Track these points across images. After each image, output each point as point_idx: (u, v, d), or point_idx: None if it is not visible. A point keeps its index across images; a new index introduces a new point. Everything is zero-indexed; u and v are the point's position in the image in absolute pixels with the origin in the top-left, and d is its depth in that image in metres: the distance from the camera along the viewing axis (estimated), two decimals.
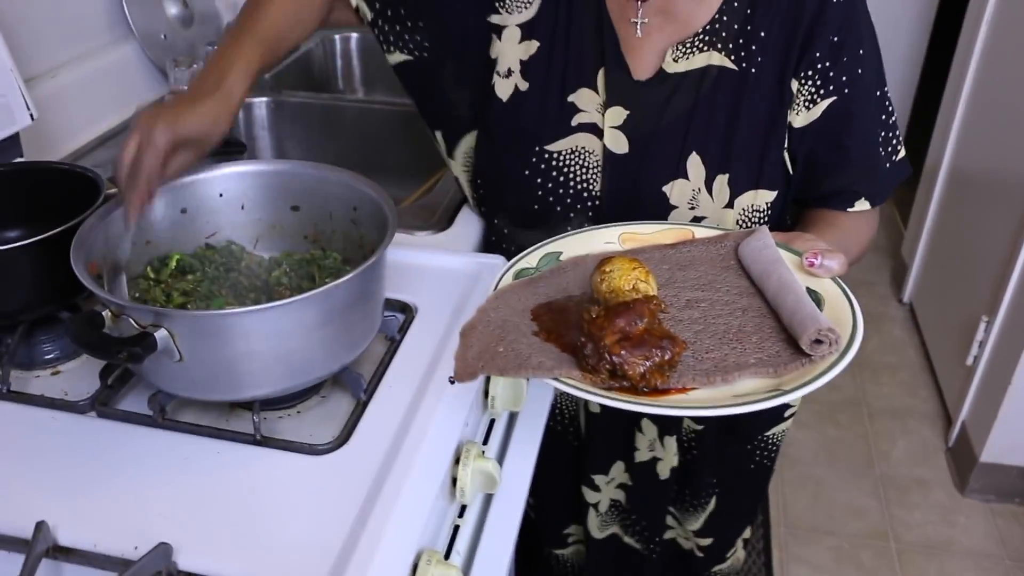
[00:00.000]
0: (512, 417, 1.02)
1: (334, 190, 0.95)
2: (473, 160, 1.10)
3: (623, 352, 0.70)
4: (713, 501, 1.30)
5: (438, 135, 1.13)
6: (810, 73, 0.94)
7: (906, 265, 2.93)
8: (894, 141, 0.99)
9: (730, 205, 0.98)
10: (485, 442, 0.98)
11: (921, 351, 2.73)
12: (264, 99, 1.66)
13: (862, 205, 1.00)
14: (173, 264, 0.93)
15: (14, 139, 1.21)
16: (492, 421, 0.99)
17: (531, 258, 0.90)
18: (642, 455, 1.21)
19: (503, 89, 1.02)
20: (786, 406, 1.23)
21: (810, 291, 0.79)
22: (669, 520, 1.34)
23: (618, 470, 1.25)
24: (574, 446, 1.27)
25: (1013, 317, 2.05)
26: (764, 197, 0.98)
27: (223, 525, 0.72)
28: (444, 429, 0.82)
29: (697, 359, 0.75)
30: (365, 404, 0.85)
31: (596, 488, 1.28)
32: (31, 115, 1.17)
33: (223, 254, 0.94)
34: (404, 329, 0.96)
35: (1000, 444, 2.12)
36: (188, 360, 0.74)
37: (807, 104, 0.95)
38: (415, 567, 0.71)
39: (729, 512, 1.32)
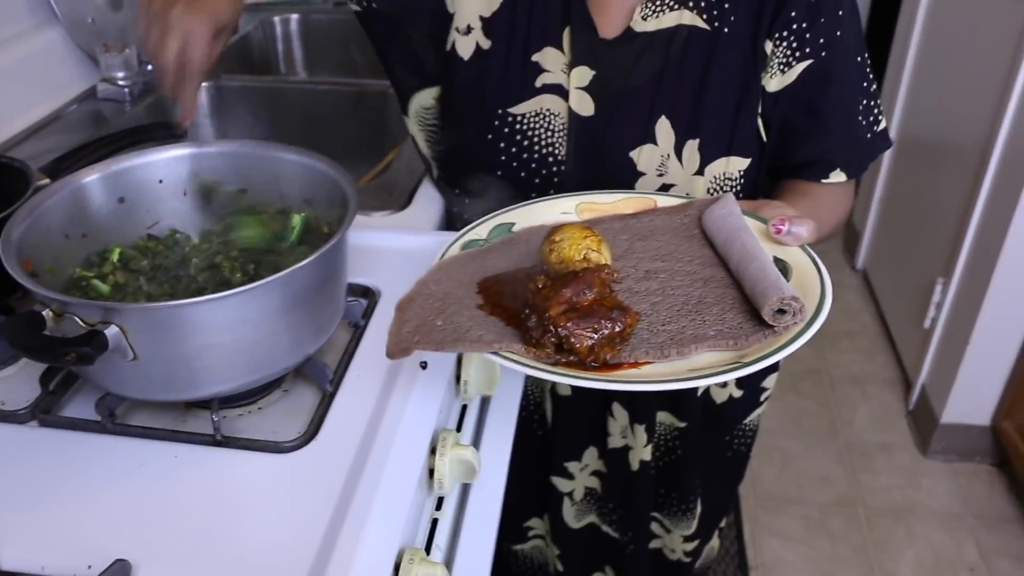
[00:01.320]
0: (485, 401, 0.97)
1: (285, 170, 0.89)
2: (430, 120, 1.05)
3: (569, 324, 0.66)
4: (700, 503, 1.27)
5: (393, 90, 1.08)
6: (785, 34, 0.90)
7: (858, 232, 2.95)
8: (875, 110, 0.95)
9: (700, 172, 0.94)
10: (458, 429, 0.93)
11: (877, 317, 2.75)
12: (203, 84, 1.57)
13: (837, 176, 0.97)
14: (115, 257, 0.86)
15: None
16: (464, 407, 0.95)
17: (481, 229, 0.85)
18: (615, 441, 1.17)
19: (464, 47, 0.97)
20: (763, 389, 1.20)
21: (777, 260, 0.75)
22: (656, 528, 1.30)
23: (591, 456, 1.21)
24: (538, 435, 1.22)
25: (969, 277, 2.07)
26: (736, 165, 0.95)
27: (185, 535, 0.66)
28: (418, 418, 0.77)
29: (652, 332, 0.70)
30: (332, 396, 0.79)
31: (569, 476, 1.24)
32: None
33: (167, 244, 0.88)
34: (368, 314, 0.90)
35: (960, 405, 2.14)
36: (143, 358, 0.68)
37: (782, 67, 0.91)
38: (396, 567, 0.66)
39: (712, 505, 1.29)
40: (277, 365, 0.75)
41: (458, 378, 0.90)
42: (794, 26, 0.89)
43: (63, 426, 0.76)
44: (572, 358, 0.67)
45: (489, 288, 0.76)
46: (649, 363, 0.67)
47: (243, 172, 0.90)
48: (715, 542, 1.40)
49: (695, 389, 1.13)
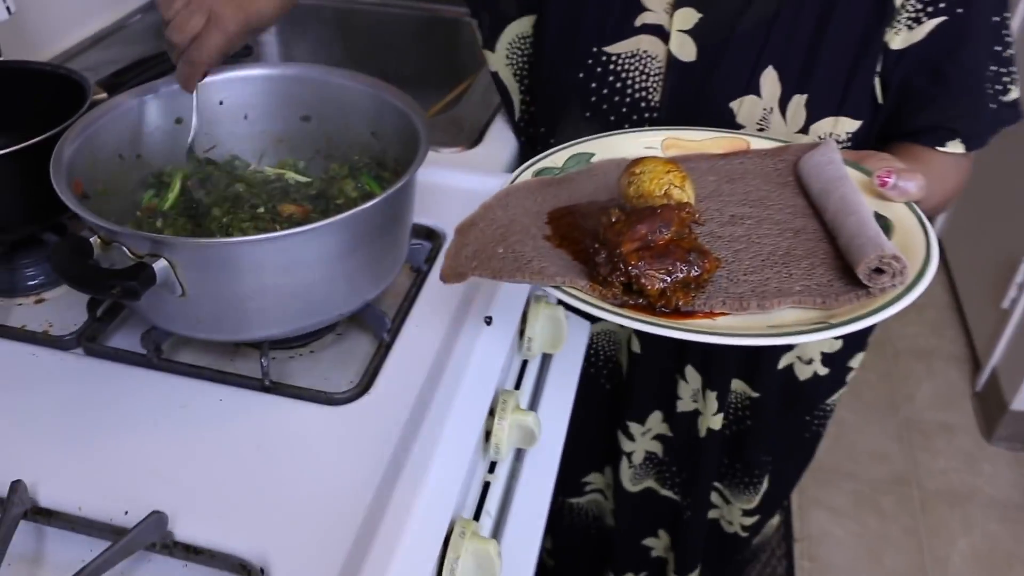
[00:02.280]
0: (546, 359, 0.92)
1: (352, 98, 0.83)
2: (526, 50, 0.97)
3: (641, 263, 0.60)
4: (767, 480, 1.21)
5: (477, 22, 1.01)
6: None
7: None
8: (1005, 79, 0.85)
9: (804, 131, 0.86)
10: (517, 387, 0.89)
11: (949, 289, 2.63)
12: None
13: (955, 147, 0.87)
14: (177, 187, 0.81)
15: None
16: (524, 364, 0.90)
17: (557, 157, 0.78)
18: (684, 405, 1.11)
19: None
20: (849, 369, 1.12)
21: (878, 217, 0.67)
22: (715, 498, 1.25)
23: (655, 420, 1.16)
24: (607, 389, 1.17)
25: None
26: (846, 126, 0.86)
27: (225, 487, 0.62)
28: (479, 377, 0.72)
29: (732, 281, 0.63)
30: (388, 346, 0.74)
31: (631, 437, 1.19)
32: (8, 8, 1.03)
33: (225, 171, 0.83)
34: (432, 259, 0.85)
35: None
36: (191, 295, 0.64)
37: (910, 23, 0.82)
38: (446, 538, 0.62)
39: (780, 484, 1.23)
40: (333, 311, 0.70)
41: (522, 334, 0.85)
42: None
43: (108, 356, 0.73)
44: (641, 301, 0.61)
45: (559, 219, 0.70)
46: (725, 314, 0.61)
47: (307, 98, 0.85)
48: (776, 520, 1.34)
49: (775, 359, 1.06)
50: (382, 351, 0.74)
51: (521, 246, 0.65)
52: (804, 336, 0.58)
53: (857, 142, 0.87)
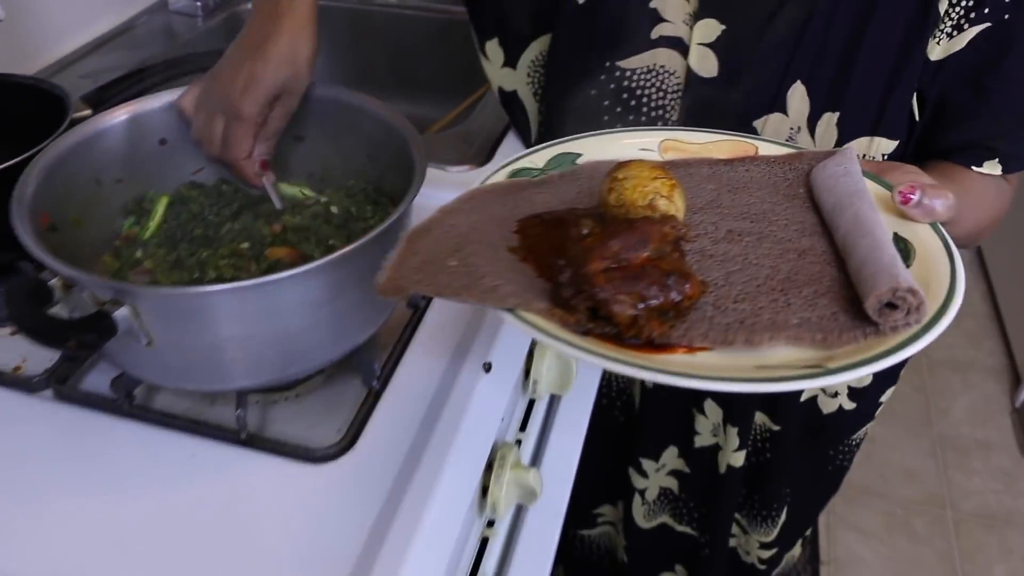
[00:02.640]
0: (554, 399, 0.86)
1: (348, 117, 0.77)
2: (542, 74, 0.91)
3: (609, 285, 0.51)
4: (784, 512, 1.14)
5: (493, 43, 0.93)
6: None
7: None
8: None
9: None
10: (522, 429, 0.83)
11: (988, 298, 2.53)
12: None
13: (992, 168, 0.79)
14: (161, 210, 0.76)
15: None
16: (531, 403, 0.83)
17: (538, 157, 0.70)
18: (703, 440, 1.05)
19: None
20: (879, 404, 1.05)
21: (898, 238, 0.59)
22: (733, 528, 1.19)
23: (670, 456, 1.09)
24: (620, 422, 1.11)
25: None
26: (881, 147, 0.78)
27: (191, 559, 0.57)
28: (476, 429, 0.66)
29: (719, 309, 0.54)
30: (378, 394, 0.69)
31: (643, 474, 1.12)
32: None
33: (209, 197, 0.77)
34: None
35: None
36: (158, 345, 0.59)
37: (951, 30, 0.74)
38: None
39: (799, 517, 1.16)
40: (315, 360, 0.65)
41: (527, 374, 0.79)
42: None
43: (78, 401, 0.68)
44: (608, 329, 0.52)
45: (530, 228, 0.61)
46: (707, 348, 0.52)
47: (299, 116, 0.79)
48: (796, 550, 1.28)
49: (797, 391, 0.99)
50: (370, 400, 0.68)
51: (477, 258, 0.56)
52: (793, 383, 0.49)
53: None
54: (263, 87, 0.72)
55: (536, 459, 0.81)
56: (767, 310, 0.54)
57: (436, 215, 0.61)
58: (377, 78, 1.47)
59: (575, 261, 0.53)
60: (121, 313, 0.56)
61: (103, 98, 0.85)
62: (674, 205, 0.58)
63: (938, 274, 0.54)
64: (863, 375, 0.48)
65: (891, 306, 0.51)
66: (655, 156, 0.71)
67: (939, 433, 2.15)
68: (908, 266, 0.55)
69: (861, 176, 0.63)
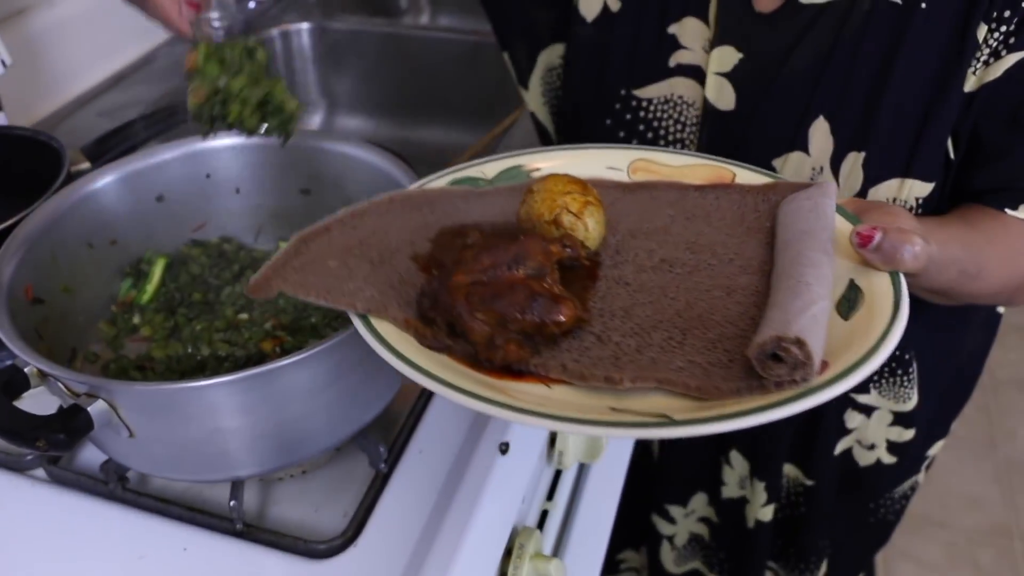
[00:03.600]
0: (583, 467, 0.80)
1: (351, 170, 0.73)
2: (555, 85, 0.87)
3: (465, 301, 0.48)
4: (824, 564, 1.07)
5: (506, 56, 0.90)
6: (1008, 14, 0.65)
7: None
8: None
9: (863, 195, 0.71)
10: (550, 497, 0.77)
11: None
12: (306, 25, 1.41)
13: None
14: (159, 273, 0.71)
15: None
16: (558, 472, 0.77)
17: (489, 168, 0.65)
18: (730, 491, 0.98)
19: (589, 7, 0.78)
20: (926, 458, 0.97)
21: (852, 287, 0.51)
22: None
23: (700, 502, 1.03)
24: (641, 466, 1.04)
25: None
26: (915, 190, 0.70)
27: None
28: (493, 515, 0.61)
29: (601, 341, 0.50)
30: (386, 477, 0.63)
31: (671, 520, 1.06)
32: (2, 62, 0.95)
33: (210, 256, 0.73)
34: None
35: None
36: (140, 437, 0.54)
37: (988, 57, 0.66)
38: None
39: (843, 569, 1.09)
40: (315, 447, 0.59)
41: (552, 443, 0.73)
42: (1022, 3, 0.64)
43: (69, 483, 0.64)
44: (468, 348, 0.49)
45: (447, 239, 0.58)
46: (564, 383, 0.48)
47: (304, 168, 0.74)
48: None
49: (829, 443, 0.92)
50: (378, 483, 0.63)
51: (359, 261, 0.53)
52: (632, 431, 0.46)
53: (928, 209, 0.72)
54: None
55: (561, 540, 0.75)
56: (653, 349, 0.49)
57: (340, 215, 0.58)
58: (408, 103, 1.42)
59: (446, 272, 0.51)
60: (97, 407, 0.51)
61: (102, 150, 0.81)
62: (582, 223, 0.55)
63: (871, 327, 0.47)
64: (704, 433, 0.42)
65: (775, 357, 0.45)
66: (622, 176, 0.66)
67: (1005, 456, 2.03)
68: (848, 317, 0.49)
69: (830, 213, 0.56)
